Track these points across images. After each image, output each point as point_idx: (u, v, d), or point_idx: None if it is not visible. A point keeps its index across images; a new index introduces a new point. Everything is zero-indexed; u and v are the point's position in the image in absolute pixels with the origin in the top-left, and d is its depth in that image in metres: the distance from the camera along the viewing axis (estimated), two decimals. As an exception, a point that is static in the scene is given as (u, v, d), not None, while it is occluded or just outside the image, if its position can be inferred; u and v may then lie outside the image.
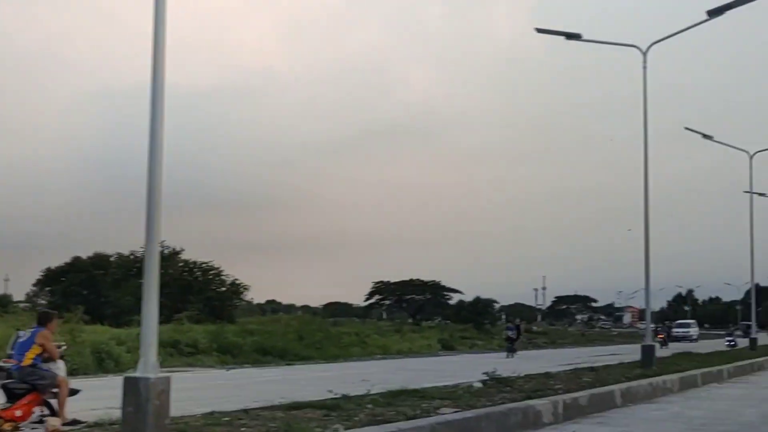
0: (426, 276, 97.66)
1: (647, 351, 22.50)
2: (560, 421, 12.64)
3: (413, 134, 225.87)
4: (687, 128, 37.46)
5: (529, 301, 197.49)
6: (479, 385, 15.46)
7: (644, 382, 17.05)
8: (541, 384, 15.85)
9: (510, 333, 40.82)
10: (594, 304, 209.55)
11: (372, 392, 13.07)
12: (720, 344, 48.34)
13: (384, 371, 25.89)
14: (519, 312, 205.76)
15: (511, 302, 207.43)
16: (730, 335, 50.48)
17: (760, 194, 50.48)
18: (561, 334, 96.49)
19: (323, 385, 15.38)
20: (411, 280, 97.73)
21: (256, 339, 39.08)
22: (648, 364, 21.94)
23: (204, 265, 60.35)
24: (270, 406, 11.76)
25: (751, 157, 40.44)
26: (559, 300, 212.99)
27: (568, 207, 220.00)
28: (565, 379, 17.27)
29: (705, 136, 38.29)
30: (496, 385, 15.42)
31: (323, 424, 9.82)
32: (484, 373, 16.55)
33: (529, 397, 13.12)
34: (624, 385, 15.98)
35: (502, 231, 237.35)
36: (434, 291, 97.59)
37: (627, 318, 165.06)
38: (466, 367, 23.83)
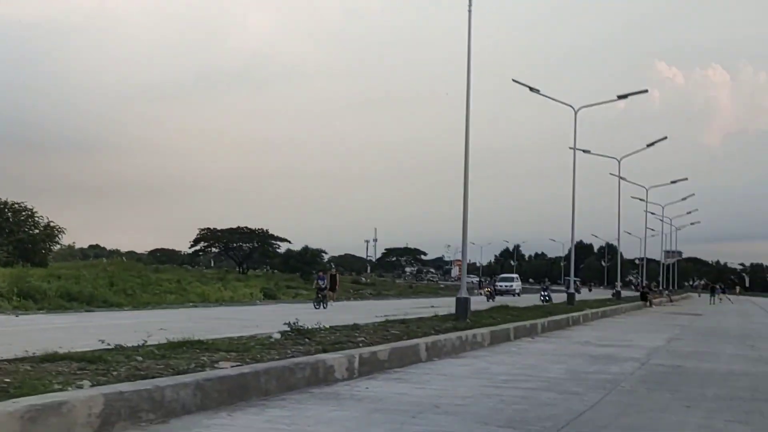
0: (256, 224, 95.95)
1: (461, 304, 21.87)
2: (355, 377, 11.51)
3: (249, 82, 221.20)
4: (514, 80, 37.81)
5: (361, 253, 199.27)
6: (278, 336, 14.17)
7: (453, 335, 16.23)
8: (344, 336, 14.74)
9: (321, 282, 38.50)
10: (423, 257, 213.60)
11: (149, 343, 11.53)
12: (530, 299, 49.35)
13: (188, 320, 24.24)
14: (349, 263, 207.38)
15: (342, 253, 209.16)
16: (544, 290, 49.50)
17: (585, 150, 51.95)
18: (388, 285, 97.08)
19: (113, 333, 13.67)
20: (238, 228, 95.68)
21: (62, 284, 36.42)
22: (462, 316, 21.32)
23: (15, 205, 56.68)
24: (20, 358, 10.01)
25: (576, 112, 40.67)
26: (389, 252, 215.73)
27: (402, 160, 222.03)
28: (372, 332, 16.24)
29: (532, 89, 38.51)
30: (295, 337, 14.20)
31: (70, 380, 8.26)
32: (285, 324, 15.29)
33: (325, 351, 11.95)
34: (430, 339, 15.07)
35: (334, 183, 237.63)
36: (262, 240, 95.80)
37: (455, 271, 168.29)
38: (278, 318, 22.51)
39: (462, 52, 23.31)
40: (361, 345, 13.13)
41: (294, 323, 15.28)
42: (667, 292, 73.52)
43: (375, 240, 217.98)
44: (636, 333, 23.83)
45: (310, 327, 15.63)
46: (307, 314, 29.67)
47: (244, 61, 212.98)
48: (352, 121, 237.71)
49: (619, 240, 58.37)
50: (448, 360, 14.61)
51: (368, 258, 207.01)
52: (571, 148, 42.29)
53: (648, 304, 49.37)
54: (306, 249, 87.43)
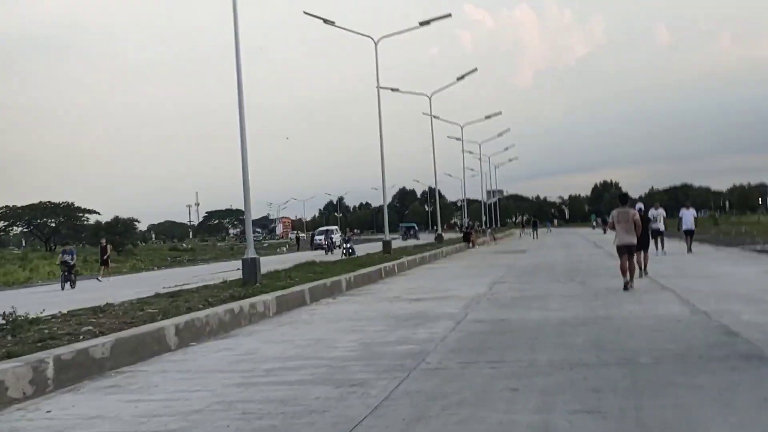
0: (63, 198, 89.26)
1: (249, 266, 18.34)
2: (49, 391, 7.93)
3: (52, 49, 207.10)
4: (306, 12, 34.76)
5: (184, 219, 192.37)
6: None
7: (221, 308, 12.67)
8: (74, 325, 11.04)
9: (67, 257, 31.93)
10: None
11: None
12: (363, 249, 46.33)
13: None
14: (169, 229, 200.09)
15: (162, 220, 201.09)
16: (346, 241, 42.48)
17: (393, 89, 48.94)
18: (208, 250, 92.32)
19: None
20: (40, 203, 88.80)
21: None
22: (251, 281, 17.84)
23: None
24: None
25: (377, 44, 37.41)
26: (211, 215, 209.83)
27: (220, 123, 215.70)
28: (121, 314, 12.53)
29: (326, 21, 35.48)
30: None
31: None
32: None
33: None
34: (185, 318, 11.44)
35: (150, 149, 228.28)
36: (68, 213, 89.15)
37: (279, 229, 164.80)
38: (33, 303, 18.52)
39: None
40: (65, 342, 9.34)
41: (11, 314, 11.44)
42: (490, 231, 72.36)
43: (197, 204, 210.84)
44: (456, 280, 21.07)
45: (33, 315, 11.82)
46: (72, 293, 25.52)
47: (43, 28, 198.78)
48: (165, 86, 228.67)
49: (435, 180, 55.97)
50: (209, 344, 11.11)
51: (189, 223, 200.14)
52: (379, 87, 39.06)
53: (471, 245, 47.44)
54: (117, 219, 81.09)
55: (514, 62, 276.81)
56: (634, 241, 16.25)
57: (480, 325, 11.43)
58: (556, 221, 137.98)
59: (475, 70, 53.74)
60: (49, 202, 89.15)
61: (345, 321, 12.99)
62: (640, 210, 19.58)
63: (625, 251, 16.11)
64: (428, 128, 53.79)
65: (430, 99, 54.81)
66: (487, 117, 72.01)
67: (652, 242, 22.95)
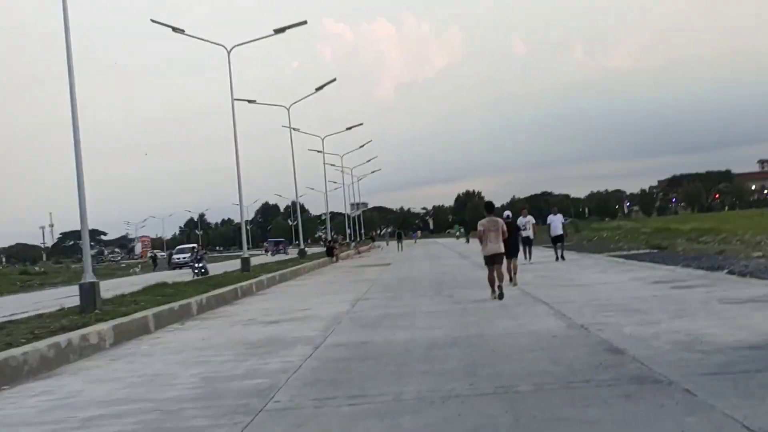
0: None
1: (86, 292, 16.54)
2: None
3: None
4: (153, 20, 32.76)
5: (38, 241, 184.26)
6: None
7: (45, 344, 11.00)
8: None
9: None
10: (104, 237, 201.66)
11: None
12: (223, 266, 44.43)
13: None
14: (21, 252, 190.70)
15: (12, 243, 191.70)
16: (198, 260, 37.68)
17: (250, 101, 47.37)
18: (62, 272, 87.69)
19: None
20: None
21: None
22: (89, 307, 16.07)
23: None
24: None
25: (229, 52, 35.96)
26: (65, 236, 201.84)
27: (66, 139, 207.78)
28: None
29: (175, 29, 33.59)
30: None
31: None
32: None
33: None
34: (-5, 358, 9.76)
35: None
36: None
37: (138, 248, 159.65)
38: None
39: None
40: None
41: None
42: (354, 243, 71.31)
43: (51, 225, 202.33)
44: (317, 297, 19.82)
45: None
46: None
47: None
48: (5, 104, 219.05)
49: (296, 193, 54.45)
50: (27, 386, 9.46)
51: (43, 245, 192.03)
52: (234, 99, 37.27)
53: (335, 259, 46.23)
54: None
55: (375, 75, 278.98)
56: (502, 249, 15.99)
57: (340, 350, 10.22)
58: (420, 232, 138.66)
59: (334, 80, 52.64)
60: None
61: (190, 351, 11.53)
62: (507, 217, 19.46)
63: (492, 261, 15.81)
64: (289, 141, 52.22)
65: (288, 110, 53.53)
66: (348, 128, 70.95)
67: (521, 250, 22.55)
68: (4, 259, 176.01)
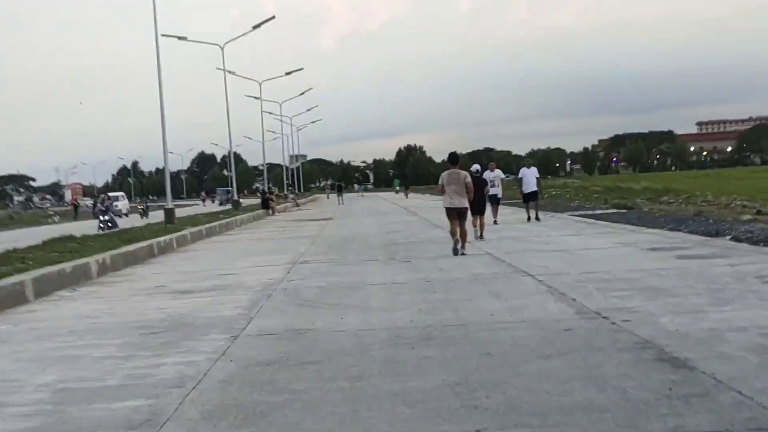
0: None
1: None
2: None
3: None
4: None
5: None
6: None
7: None
8: None
9: None
10: (33, 183, 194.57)
11: None
12: (153, 217, 41.41)
13: None
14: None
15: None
16: (103, 213, 32.39)
17: (180, 37, 46.40)
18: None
19: None
20: None
21: None
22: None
23: None
24: None
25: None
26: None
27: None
28: None
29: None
30: None
31: None
32: None
33: None
34: None
35: None
36: None
37: (68, 196, 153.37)
38: None
39: None
40: None
41: None
42: (292, 196, 67.85)
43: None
44: (245, 258, 16.68)
45: None
46: None
47: None
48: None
49: (230, 141, 50.41)
50: None
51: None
52: (165, 35, 34.32)
53: (270, 212, 42.99)
54: None
55: (317, 25, 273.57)
56: (466, 204, 15.01)
57: (267, 345, 7.23)
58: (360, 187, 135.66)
59: (273, 17, 49.61)
60: None
61: (62, 336, 8.43)
62: (477, 171, 18.18)
63: (454, 214, 14.83)
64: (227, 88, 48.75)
65: (222, 49, 50.18)
66: (288, 73, 67.86)
67: (489, 208, 19.90)
68: None
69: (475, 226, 17.46)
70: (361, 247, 17.87)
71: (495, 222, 21.65)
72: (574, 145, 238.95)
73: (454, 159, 15.32)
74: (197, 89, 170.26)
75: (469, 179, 15.02)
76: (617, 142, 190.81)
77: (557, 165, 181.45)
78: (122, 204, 58.93)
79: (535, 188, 22.95)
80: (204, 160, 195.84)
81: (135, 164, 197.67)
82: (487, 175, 21.21)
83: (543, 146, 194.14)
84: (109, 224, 30.74)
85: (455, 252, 14.34)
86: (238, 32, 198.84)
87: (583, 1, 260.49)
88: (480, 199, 17.37)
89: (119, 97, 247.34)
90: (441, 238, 17.41)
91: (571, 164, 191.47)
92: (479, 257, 13.88)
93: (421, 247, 16.71)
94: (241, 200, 53.42)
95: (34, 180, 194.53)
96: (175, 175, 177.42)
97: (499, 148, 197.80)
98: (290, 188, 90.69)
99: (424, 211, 35.54)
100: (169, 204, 29.52)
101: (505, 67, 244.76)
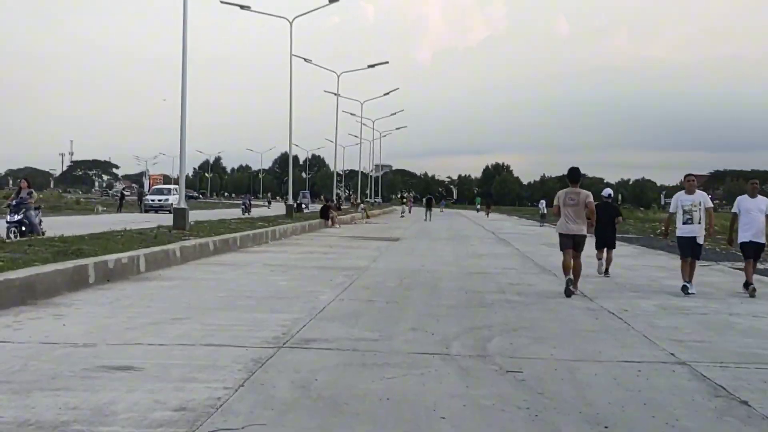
0: None
1: None
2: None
3: None
4: (223, 1, 36.15)
5: (53, 167, 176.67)
6: None
7: None
8: None
9: None
10: (116, 171, 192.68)
11: None
12: (223, 213, 39.83)
13: None
14: (28, 176, 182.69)
15: (22, 166, 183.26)
16: (14, 209, 19.55)
17: (306, 59, 49.93)
18: (52, 203, 77.49)
19: None
20: None
21: None
22: None
23: None
24: None
25: (291, 23, 38.46)
26: (76, 164, 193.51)
27: (97, 71, 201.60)
28: None
29: (243, 7, 37.37)
30: None
31: None
32: None
33: None
34: None
35: (19, 93, 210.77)
36: None
37: (147, 186, 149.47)
38: None
39: None
40: None
41: None
42: (363, 205, 59.57)
43: (71, 153, 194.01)
44: (200, 315, 8.78)
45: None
46: None
47: None
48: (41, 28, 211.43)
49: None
50: None
51: (50, 171, 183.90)
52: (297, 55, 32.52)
53: (330, 222, 35.56)
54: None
55: (416, 38, 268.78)
56: (584, 230, 12.36)
57: None
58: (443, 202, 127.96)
59: (387, 62, 56.60)
60: None
61: None
62: (609, 197, 16.36)
63: (569, 243, 12.20)
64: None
65: (338, 77, 56.01)
66: (386, 94, 71.43)
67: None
68: (10, 182, 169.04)
69: (600, 259, 15.53)
70: (424, 303, 10.39)
71: (687, 288, 12.57)
72: (663, 178, 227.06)
73: (574, 176, 12.58)
74: (279, 83, 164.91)
75: (590, 199, 12.46)
76: (717, 177, 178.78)
77: (653, 197, 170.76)
78: (173, 198, 52.65)
79: (764, 237, 13.02)
80: (286, 162, 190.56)
81: (218, 159, 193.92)
82: (681, 200, 13.05)
83: (632, 177, 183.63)
84: (22, 229, 18.98)
85: (567, 293, 11.65)
86: (340, 40, 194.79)
87: (684, 32, 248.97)
88: (612, 232, 15.63)
89: (197, 93, 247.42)
90: (560, 297, 10.05)
91: (665, 197, 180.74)
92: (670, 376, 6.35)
93: (532, 316, 9.28)
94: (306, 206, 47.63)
95: (117, 167, 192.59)
96: (255, 174, 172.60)
97: (590, 174, 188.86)
98: (363, 197, 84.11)
99: (519, 240, 27.92)
100: (182, 203, 22.21)
101: (599, 94, 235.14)
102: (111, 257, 12.23)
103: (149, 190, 65.95)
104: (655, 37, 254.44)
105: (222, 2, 36.26)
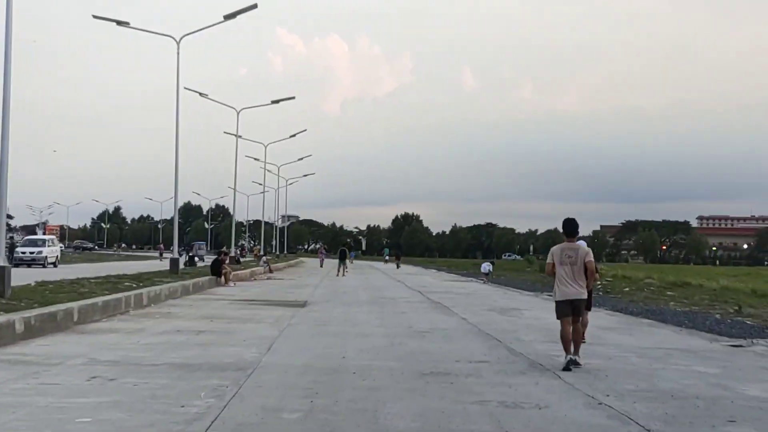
0: None
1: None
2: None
3: None
4: (95, 16, 32.60)
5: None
6: None
7: None
8: None
9: None
10: (11, 221, 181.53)
11: None
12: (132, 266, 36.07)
13: None
14: None
15: None
16: None
17: (201, 94, 46.50)
18: None
19: None
20: None
21: None
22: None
23: None
24: None
25: (179, 42, 33.65)
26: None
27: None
28: None
29: (120, 22, 32.99)
30: None
31: None
32: None
33: None
34: None
35: None
36: None
37: (41, 235, 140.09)
38: None
39: None
40: None
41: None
42: (266, 258, 52.53)
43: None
44: None
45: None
46: None
47: None
48: None
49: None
50: None
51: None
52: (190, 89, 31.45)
53: (223, 280, 29.63)
54: None
55: (324, 90, 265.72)
56: (584, 294, 10.36)
57: None
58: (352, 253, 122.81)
59: (293, 98, 53.79)
60: None
61: None
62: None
63: (568, 310, 10.24)
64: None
65: (238, 114, 52.52)
66: (292, 136, 68.05)
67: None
68: None
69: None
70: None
71: None
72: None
73: (570, 229, 10.43)
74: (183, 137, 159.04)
75: (591, 258, 10.33)
76: (628, 228, 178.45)
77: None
78: (49, 250, 45.82)
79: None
80: (189, 211, 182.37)
81: (117, 209, 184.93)
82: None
83: (541, 227, 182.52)
84: None
85: (567, 368, 9.80)
86: (246, 88, 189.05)
87: (588, 85, 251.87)
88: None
89: (103, 141, 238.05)
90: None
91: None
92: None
93: None
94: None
95: (11, 218, 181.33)
96: (156, 225, 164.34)
97: (501, 224, 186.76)
98: (268, 249, 78.17)
99: (456, 303, 22.61)
100: (1, 260, 15.96)
101: (506, 145, 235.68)
102: None
103: (22, 239, 57.92)
104: (559, 88, 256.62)
105: (95, 17, 32.64)
